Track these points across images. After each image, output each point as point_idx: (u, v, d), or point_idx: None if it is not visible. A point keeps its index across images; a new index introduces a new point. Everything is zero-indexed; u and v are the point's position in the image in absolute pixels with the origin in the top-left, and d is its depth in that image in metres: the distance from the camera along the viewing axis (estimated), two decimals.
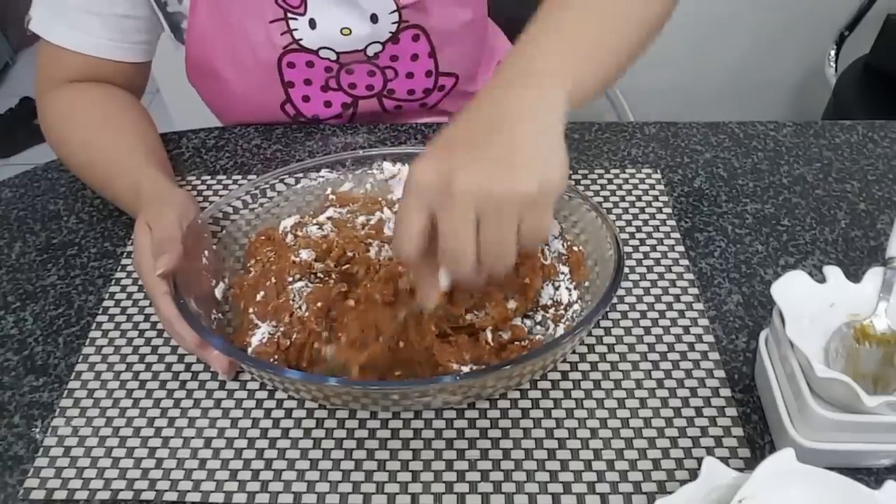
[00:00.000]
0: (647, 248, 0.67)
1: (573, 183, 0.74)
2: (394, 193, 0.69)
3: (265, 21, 0.75)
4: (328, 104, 0.84)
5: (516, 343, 0.57)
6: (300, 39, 0.77)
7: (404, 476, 0.52)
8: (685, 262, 0.66)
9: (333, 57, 0.79)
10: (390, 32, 0.77)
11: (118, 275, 0.68)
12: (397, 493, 0.51)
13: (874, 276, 0.53)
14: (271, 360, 0.55)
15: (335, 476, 0.52)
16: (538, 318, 0.60)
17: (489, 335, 0.56)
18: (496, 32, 0.98)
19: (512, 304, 0.56)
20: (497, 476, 0.51)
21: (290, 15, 0.75)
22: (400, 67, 0.81)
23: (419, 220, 0.45)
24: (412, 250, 0.45)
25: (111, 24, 0.74)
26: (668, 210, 0.71)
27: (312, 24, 0.76)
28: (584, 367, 0.58)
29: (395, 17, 0.76)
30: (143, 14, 0.75)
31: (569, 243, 0.63)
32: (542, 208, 0.45)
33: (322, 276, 0.60)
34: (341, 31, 0.77)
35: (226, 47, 0.77)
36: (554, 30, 0.53)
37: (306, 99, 0.83)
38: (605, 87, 0.56)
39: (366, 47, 0.78)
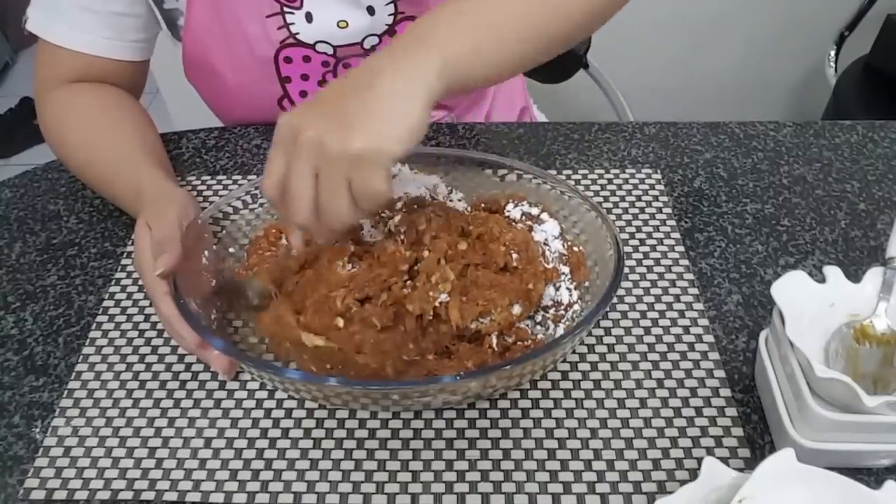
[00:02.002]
0: (647, 248, 0.67)
1: (573, 183, 0.74)
2: (394, 193, 0.68)
3: (261, 16, 0.75)
4: None
5: (519, 343, 0.57)
6: (297, 34, 0.77)
7: (404, 476, 0.52)
8: (685, 262, 0.66)
9: (330, 51, 0.79)
10: (387, 24, 0.77)
11: (118, 275, 0.68)
12: (397, 493, 0.51)
13: (874, 276, 0.53)
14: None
15: (335, 476, 0.52)
16: (538, 318, 0.60)
17: (494, 340, 0.56)
18: None
19: (517, 310, 0.56)
20: (497, 476, 0.51)
21: (286, 9, 0.75)
22: None
23: (277, 166, 0.49)
24: (271, 190, 0.50)
25: (108, 22, 0.74)
26: (668, 210, 0.71)
27: (309, 17, 0.76)
28: (584, 367, 0.58)
29: (392, 8, 0.76)
30: (141, 12, 0.75)
31: (569, 243, 0.63)
32: (369, 168, 0.47)
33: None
34: (338, 25, 0.76)
35: (222, 43, 0.77)
36: (456, 9, 0.54)
37: (303, 94, 0.83)
38: (498, 73, 0.57)
39: (363, 40, 0.78)
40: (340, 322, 0.54)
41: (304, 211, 0.49)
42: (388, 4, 0.76)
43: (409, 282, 0.56)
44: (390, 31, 0.78)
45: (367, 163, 0.47)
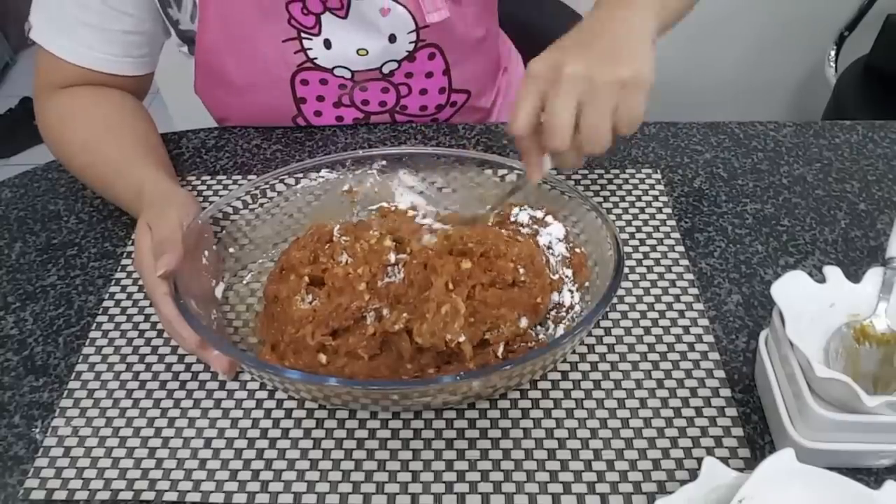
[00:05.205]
0: (647, 248, 0.67)
1: (573, 183, 0.74)
2: (395, 196, 0.69)
3: (278, 40, 0.75)
4: (340, 119, 0.84)
5: (521, 345, 0.57)
6: (315, 59, 0.77)
7: (404, 476, 0.52)
8: (685, 262, 0.66)
9: (348, 75, 0.79)
10: (407, 51, 0.78)
11: (118, 275, 0.68)
12: (397, 493, 0.51)
13: (874, 276, 0.53)
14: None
15: (335, 476, 0.52)
16: None
17: (501, 349, 0.55)
18: (503, 39, 0.97)
19: (524, 323, 0.56)
20: (497, 476, 0.51)
21: (303, 35, 0.75)
22: (414, 84, 0.81)
23: (532, 102, 0.54)
24: (523, 127, 0.54)
25: (114, 39, 0.73)
26: (668, 210, 0.71)
27: (328, 44, 0.76)
28: (584, 367, 0.58)
29: (414, 36, 0.76)
30: (146, 30, 0.75)
31: (571, 245, 0.63)
32: (635, 93, 0.53)
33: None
34: (357, 52, 0.76)
35: (236, 62, 0.77)
36: None
37: (318, 114, 0.83)
38: (666, 27, 0.63)
39: (381, 65, 0.78)
40: (323, 358, 0.54)
41: (565, 136, 0.53)
42: (410, 33, 0.76)
43: (393, 306, 0.55)
44: (410, 56, 0.78)
45: (633, 89, 0.53)
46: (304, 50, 0.76)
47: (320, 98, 0.81)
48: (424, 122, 0.86)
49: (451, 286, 0.54)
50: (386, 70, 0.79)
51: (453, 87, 0.83)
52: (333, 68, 0.78)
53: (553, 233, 0.63)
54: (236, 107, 0.82)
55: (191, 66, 0.81)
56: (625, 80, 0.52)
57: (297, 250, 0.60)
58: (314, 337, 0.54)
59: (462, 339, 0.52)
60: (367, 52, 0.77)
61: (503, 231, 0.62)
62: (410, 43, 0.77)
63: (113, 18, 0.71)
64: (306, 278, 0.58)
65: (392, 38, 0.76)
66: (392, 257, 0.58)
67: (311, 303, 0.56)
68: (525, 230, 0.64)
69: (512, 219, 0.65)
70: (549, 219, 0.64)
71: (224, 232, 0.64)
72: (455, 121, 0.88)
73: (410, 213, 0.67)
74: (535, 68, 0.54)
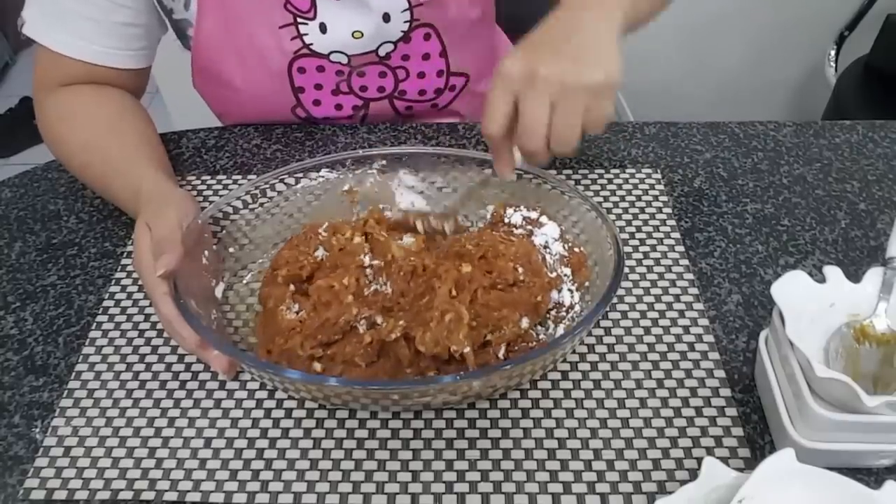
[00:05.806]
0: (647, 248, 0.67)
1: (573, 183, 0.74)
2: (395, 196, 0.69)
3: (274, 27, 0.75)
4: (339, 107, 0.84)
5: (522, 345, 0.57)
6: (311, 44, 0.77)
7: (404, 476, 0.52)
8: (685, 262, 0.66)
9: (345, 60, 0.79)
10: (402, 31, 0.77)
11: (118, 275, 0.68)
12: (397, 493, 0.51)
13: (874, 276, 0.53)
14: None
15: (335, 476, 0.52)
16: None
17: (502, 350, 0.55)
18: (497, 31, 0.98)
19: (525, 323, 0.56)
20: (497, 476, 0.51)
21: (299, 20, 0.75)
22: (411, 67, 0.81)
23: (505, 104, 0.54)
24: (498, 129, 0.55)
25: (112, 31, 0.73)
26: (668, 210, 0.71)
27: (323, 28, 0.75)
28: (584, 367, 0.58)
29: (408, 15, 0.76)
30: (144, 22, 0.75)
31: (570, 244, 0.63)
32: (605, 97, 0.54)
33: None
34: (353, 35, 0.76)
35: (234, 55, 0.77)
36: None
37: (317, 103, 0.83)
38: (635, 27, 0.63)
39: (377, 48, 0.78)
40: (318, 367, 0.54)
41: (540, 137, 0.54)
42: (404, 11, 0.76)
43: (386, 314, 0.55)
44: (405, 37, 0.78)
45: (604, 93, 0.54)
46: (300, 36, 0.76)
47: (318, 86, 0.81)
48: (424, 108, 0.86)
49: (454, 293, 0.54)
50: (382, 52, 0.79)
51: (451, 70, 0.83)
52: (330, 54, 0.78)
53: (548, 232, 0.63)
54: (235, 99, 0.82)
55: (189, 64, 0.81)
56: (596, 84, 0.53)
57: (288, 249, 0.60)
58: (304, 349, 0.54)
59: (467, 349, 0.52)
60: (363, 35, 0.76)
61: (495, 234, 0.61)
62: (405, 22, 0.77)
63: (111, 11, 0.71)
64: (291, 287, 0.58)
65: (386, 18, 0.76)
66: (366, 259, 0.57)
67: (297, 313, 0.56)
68: (519, 231, 0.64)
69: (506, 220, 0.65)
70: (543, 219, 0.64)
71: (224, 232, 0.64)
72: (455, 106, 0.88)
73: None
74: (509, 69, 0.54)
